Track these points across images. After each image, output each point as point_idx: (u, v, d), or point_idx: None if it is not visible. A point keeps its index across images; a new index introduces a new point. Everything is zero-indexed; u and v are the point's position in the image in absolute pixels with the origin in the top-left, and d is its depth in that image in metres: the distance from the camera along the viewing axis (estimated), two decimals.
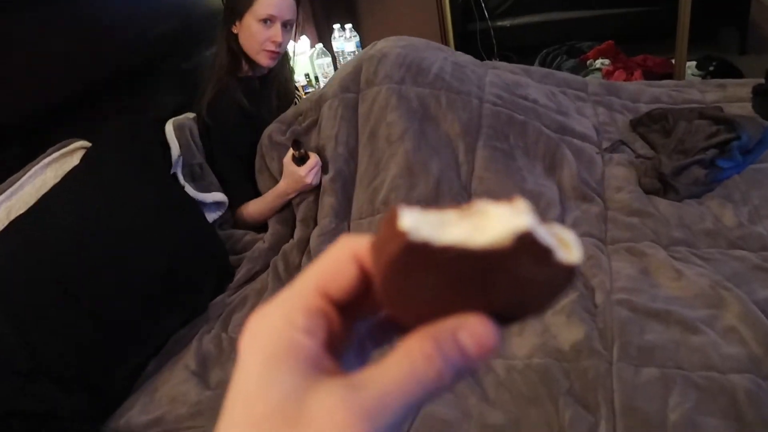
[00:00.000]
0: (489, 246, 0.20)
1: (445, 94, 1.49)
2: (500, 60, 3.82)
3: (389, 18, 3.13)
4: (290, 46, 1.77)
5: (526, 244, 0.20)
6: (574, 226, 1.28)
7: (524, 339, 1.07)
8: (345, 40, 2.44)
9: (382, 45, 1.64)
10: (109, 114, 1.62)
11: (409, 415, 0.21)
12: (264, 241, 1.50)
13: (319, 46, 2.45)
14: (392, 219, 0.21)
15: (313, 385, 0.21)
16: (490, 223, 0.20)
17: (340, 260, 0.24)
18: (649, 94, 1.66)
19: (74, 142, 1.42)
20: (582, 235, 1.26)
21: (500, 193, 1.33)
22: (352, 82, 1.54)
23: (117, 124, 1.41)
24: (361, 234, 0.24)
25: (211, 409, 1.10)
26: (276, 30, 1.56)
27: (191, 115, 1.68)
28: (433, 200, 1.35)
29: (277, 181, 1.54)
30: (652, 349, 0.96)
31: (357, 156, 1.49)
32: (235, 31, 1.61)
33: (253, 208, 1.59)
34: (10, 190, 1.27)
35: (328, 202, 1.44)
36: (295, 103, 1.82)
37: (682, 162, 1.25)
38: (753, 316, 0.98)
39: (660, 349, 0.96)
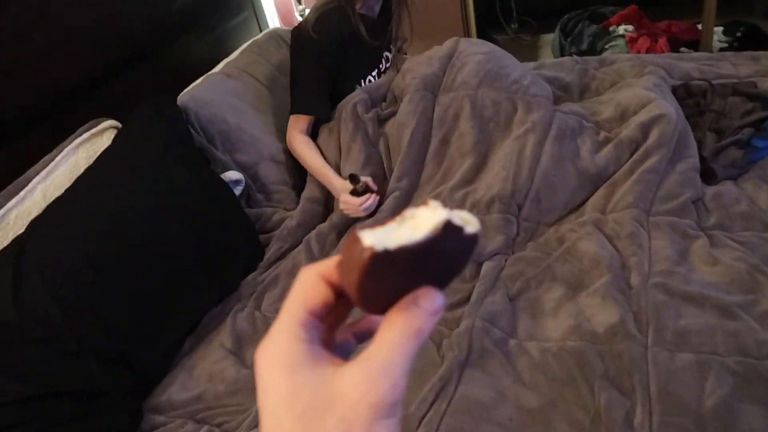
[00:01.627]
0: (426, 238, 0.27)
1: (521, 99, 1.47)
2: (519, 25, 3.76)
3: None
4: None
5: (447, 228, 0.27)
6: (622, 197, 1.28)
7: (558, 321, 1.08)
8: None
9: (464, 50, 1.62)
10: (135, 89, 1.62)
11: (409, 365, 0.28)
12: (293, 218, 1.51)
13: None
14: (356, 240, 0.27)
15: (333, 373, 0.28)
16: (421, 222, 0.27)
17: (313, 283, 0.31)
18: (679, 69, 1.62)
19: (104, 121, 1.43)
20: (626, 206, 1.25)
21: (561, 181, 1.34)
22: (434, 84, 1.55)
23: (146, 103, 1.41)
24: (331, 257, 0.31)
25: (249, 387, 1.13)
26: None
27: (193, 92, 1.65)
28: (485, 206, 1.37)
29: (340, 151, 1.56)
30: (687, 333, 0.97)
31: (425, 158, 1.50)
32: None
33: (308, 155, 1.58)
34: (45, 171, 1.28)
35: (389, 198, 1.45)
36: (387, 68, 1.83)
37: (720, 143, 1.24)
38: None
39: (695, 334, 0.97)
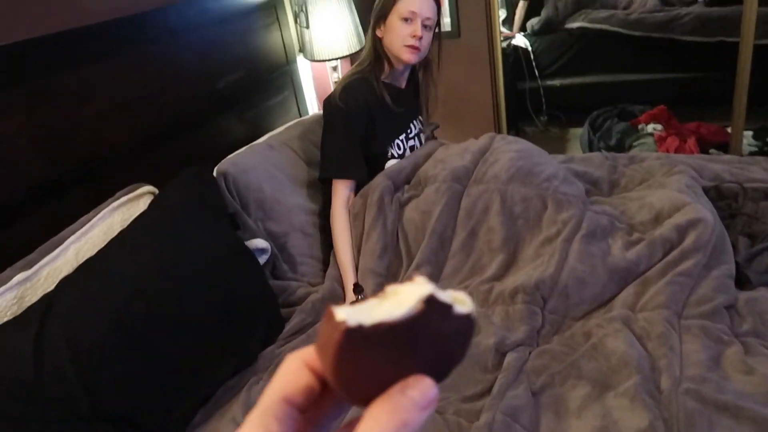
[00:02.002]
0: (407, 314, 0.25)
1: (552, 196, 1.47)
2: (548, 118, 3.85)
3: (442, 75, 3.19)
4: None
5: (431, 305, 0.25)
6: (653, 296, 1.25)
7: (583, 421, 1.03)
8: None
9: (499, 147, 1.66)
10: (174, 158, 1.69)
11: None
12: (318, 292, 1.51)
13: None
14: (330, 317, 0.25)
15: None
16: (403, 298, 0.25)
17: (295, 370, 0.28)
18: (709, 170, 1.63)
19: (141, 186, 1.47)
20: (657, 306, 1.22)
21: (590, 277, 1.32)
22: (463, 176, 1.58)
23: (183, 172, 1.46)
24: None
25: None
26: (416, 26, 1.67)
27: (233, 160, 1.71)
28: (509, 296, 1.36)
29: (362, 235, 1.60)
30: None
31: (449, 249, 1.50)
32: (380, 35, 1.74)
33: (340, 240, 1.62)
34: (80, 231, 1.31)
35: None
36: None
37: (754, 249, 1.22)
38: None
39: None
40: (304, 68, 2.38)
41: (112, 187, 1.44)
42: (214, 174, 1.62)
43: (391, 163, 1.76)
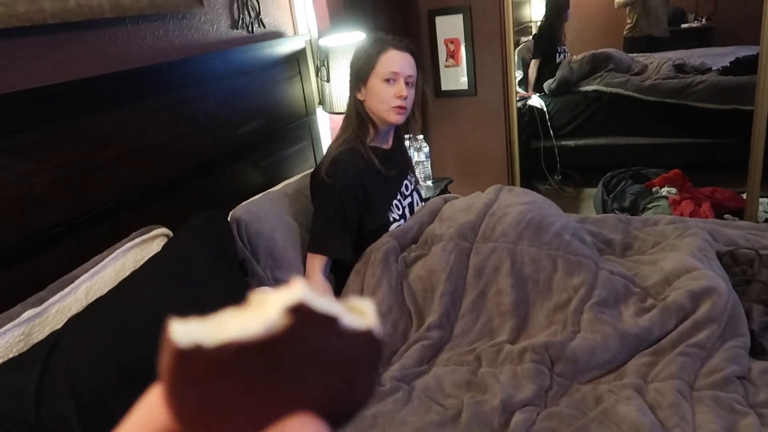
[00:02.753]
0: (266, 329, 0.18)
1: (562, 257, 1.45)
2: (562, 177, 3.88)
3: (458, 131, 3.25)
4: None
5: (303, 316, 0.19)
6: (664, 367, 1.22)
7: None
8: (415, 150, 2.53)
9: (506, 200, 1.65)
10: (191, 202, 1.71)
11: None
12: None
13: None
14: (165, 334, 0.19)
15: None
16: (267, 309, 0.19)
17: (151, 407, 0.23)
18: (724, 235, 1.62)
19: (156, 228, 1.49)
20: (668, 377, 1.19)
21: (600, 344, 1.29)
22: (470, 232, 1.56)
23: (197, 215, 1.48)
24: None
25: None
26: (400, 86, 1.64)
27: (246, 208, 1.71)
28: (518, 356, 1.34)
29: (361, 294, 1.56)
30: None
31: (459, 308, 1.49)
32: (361, 98, 1.69)
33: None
34: (92, 270, 1.32)
35: (417, 346, 1.42)
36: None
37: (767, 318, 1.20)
38: None
39: None
40: (322, 119, 2.43)
41: (128, 229, 1.46)
42: (228, 219, 1.64)
43: (394, 227, 1.73)
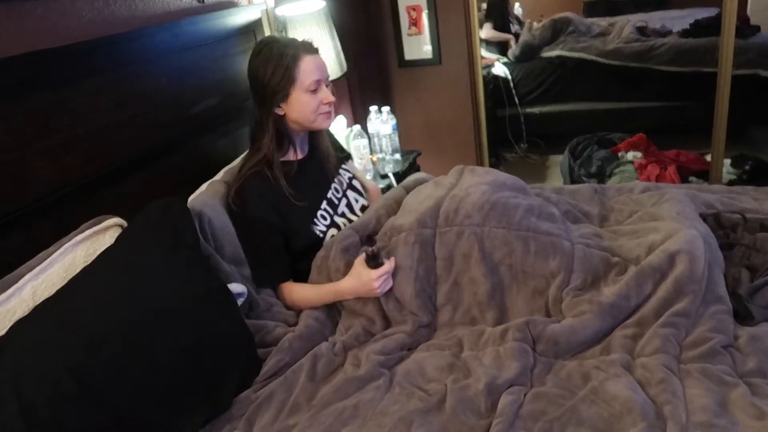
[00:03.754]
0: None
1: (534, 239, 1.39)
2: (528, 145, 3.85)
3: (423, 102, 3.17)
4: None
5: None
6: (649, 340, 1.19)
7: None
8: (381, 123, 2.44)
9: (467, 181, 1.59)
10: (145, 188, 1.60)
11: None
12: (296, 331, 1.42)
13: (357, 127, 2.44)
14: None
15: None
16: None
17: None
18: (701, 200, 1.60)
19: (108, 218, 1.37)
20: (654, 351, 1.16)
21: (579, 323, 1.26)
22: (430, 218, 1.48)
23: (154, 203, 1.36)
24: None
25: None
26: (325, 92, 1.59)
27: (212, 198, 1.60)
28: (500, 336, 1.32)
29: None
30: None
31: (435, 299, 1.44)
32: (281, 113, 1.59)
33: (301, 295, 1.54)
34: (39, 267, 1.21)
35: (396, 344, 1.37)
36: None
37: (756, 282, 1.17)
38: None
39: None
40: None
41: (77, 221, 1.34)
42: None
43: (331, 233, 1.64)
